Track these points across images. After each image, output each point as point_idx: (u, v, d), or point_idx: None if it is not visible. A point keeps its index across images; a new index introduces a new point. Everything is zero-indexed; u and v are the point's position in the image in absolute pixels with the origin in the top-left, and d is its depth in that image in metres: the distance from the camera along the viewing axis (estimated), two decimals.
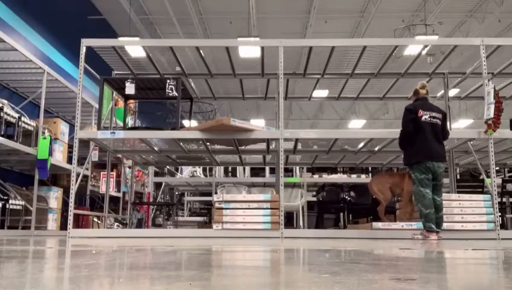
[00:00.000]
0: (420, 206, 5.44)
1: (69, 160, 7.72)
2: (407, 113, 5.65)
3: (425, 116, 5.57)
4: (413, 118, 5.57)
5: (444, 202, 5.95)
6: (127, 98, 7.66)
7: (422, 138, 5.54)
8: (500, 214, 6.83)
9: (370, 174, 10.96)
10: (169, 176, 13.14)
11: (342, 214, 9.57)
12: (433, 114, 5.62)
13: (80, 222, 8.42)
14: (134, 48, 10.12)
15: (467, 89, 8.74)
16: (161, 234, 6.57)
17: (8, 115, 6.63)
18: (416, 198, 5.55)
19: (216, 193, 9.35)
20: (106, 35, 11.19)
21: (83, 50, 6.52)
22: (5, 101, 6.88)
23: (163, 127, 7.39)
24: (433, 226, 5.33)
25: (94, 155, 8.19)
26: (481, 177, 7.44)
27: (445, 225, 5.82)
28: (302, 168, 10.92)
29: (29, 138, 7.13)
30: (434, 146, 5.55)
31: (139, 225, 9.94)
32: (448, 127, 7.80)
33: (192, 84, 9.63)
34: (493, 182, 6.06)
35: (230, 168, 11.71)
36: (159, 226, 11.40)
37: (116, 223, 9.19)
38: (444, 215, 5.87)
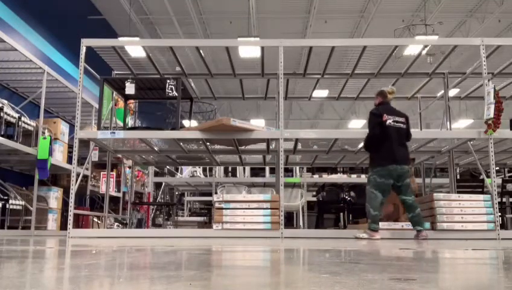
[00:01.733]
0: (369, 207, 5.53)
1: (69, 160, 7.72)
2: (372, 118, 5.74)
3: (389, 120, 5.66)
4: (380, 122, 5.66)
5: (444, 202, 5.97)
6: (127, 98, 7.66)
7: (387, 142, 5.62)
8: (500, 214, 6.83)
9: None
10: (169, 176, 13.14)
11: (342, 214, 9.57)
12: (396, 118, 5.72)
13: (80, 222, 8.42)
14: (134, 48, 10.13)
15: (467, 89, 8.74)
16: (161, 234, 6.57)
17: (8, 115, 6.63)
18: (367, 199, 5.63)
19: (216, 193, 9.35)
20: (106, 35, 11.21)
21: (83, 50, 6.52)
22: (5, 101, 6.88)
23: (163, 127, 7.39)
24: (377, 226, 5.47)
25: (94, 155, 8.18)
26: (481, 177, 7.44)
27: (445, 225, 5.83)
28: (302, 168, 10.92)
29: (29, 138, 7.13)
30: (398, 150, 5.63)
31: (139, 225, 9.94)
32: (448, 127, 7.82)
33: (192, 84, 9.63)
34: (493, 182, 6.05)
35: (230, 168, 11.71)
36: (159, 226, 11.40)
37: (116, 223, 9.19)
38: (444, 215, 5.88)
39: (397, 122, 5.70)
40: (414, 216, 5.52)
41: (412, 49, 11.96)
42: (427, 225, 5.87)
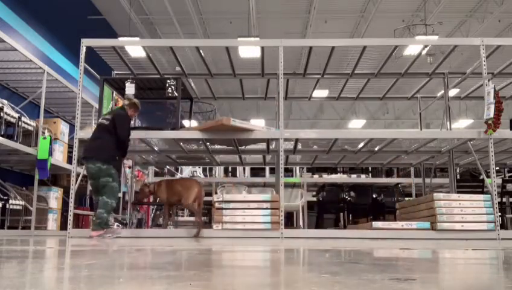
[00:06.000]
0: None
1: (69, 160, 7.72)
2: None
3: (100, 119, 5.98)
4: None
5: (444, 202, 5.95)
6: None
7: None
8: (500, 214, 6.83)
9: (370, 174, 10.96)
10: (169, 176, 13.12)
11: (342, 214, 9.57)
12: (106, 116, 5.92)
13: (80, 222, 8.42)
14: (134, 48, 10.12)
15: (467, 89, 8.74)
16: (161, 234, 6.57)
17: (8, 115, 6.63)
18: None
19: (216, 193, 9.34)
20: (106, 35, 11.19)
21: (83, 50, 6.52)
22: (5, 101, 6.89)
23: (163, 127, 7.38)
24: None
25: None
26: (481, 177, 7.44)
27: (445, 225, 5.83)
28: (302, 168, 10.92)
29: (29, 138, 7.14)
30: (89, 144, 5.80)
31: (139, 225, 9.93)
32: (448, 127, 7.79)
33: (192, 84, 9.62)
34: (493, 182, 6.05)
35: (230, 168, 11.70)
36: (159, 226, 11.39)
37: (116, 223, 9.19)
38: (444, 215, 5.87)
39: (104, 119, 5.89)
40: (95, 216, 5.69)
41: (412, 49, 11.95)
42: (427, 224, 5.87)
